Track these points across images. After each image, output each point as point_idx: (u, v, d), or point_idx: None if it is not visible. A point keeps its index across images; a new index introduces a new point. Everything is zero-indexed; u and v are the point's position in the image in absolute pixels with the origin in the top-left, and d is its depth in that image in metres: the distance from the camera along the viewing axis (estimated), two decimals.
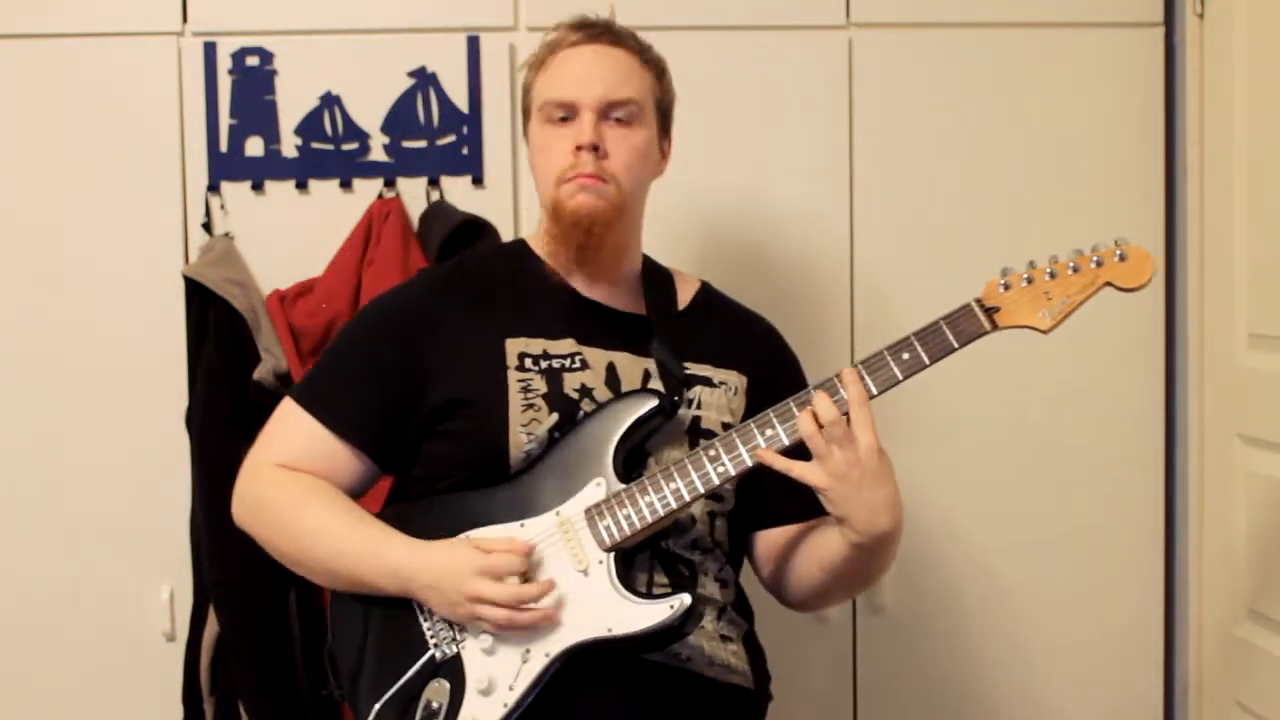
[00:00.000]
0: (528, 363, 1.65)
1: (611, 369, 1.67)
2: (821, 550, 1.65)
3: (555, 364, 1.65)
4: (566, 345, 1.67)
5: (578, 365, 1.66)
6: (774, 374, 1.76)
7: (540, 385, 1.64)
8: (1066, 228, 2.40)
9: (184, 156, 2.33)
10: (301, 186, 2.35)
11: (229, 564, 2.16)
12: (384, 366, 1.66)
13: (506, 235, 2.30)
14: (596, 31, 1.69)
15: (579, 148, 1.64)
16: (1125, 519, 2.44)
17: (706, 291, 1.83)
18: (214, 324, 2.25)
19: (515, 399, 1.63)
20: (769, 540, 1.76)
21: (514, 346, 1.66)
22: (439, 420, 1.65)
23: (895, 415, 2.36)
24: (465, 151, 2.36)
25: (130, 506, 2.33)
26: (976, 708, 2.46)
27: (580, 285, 1.72)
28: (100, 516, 2.33)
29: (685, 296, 1.80)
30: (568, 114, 1.66)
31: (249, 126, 2.34)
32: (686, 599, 1.53)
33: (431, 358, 1.65)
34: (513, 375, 1.64)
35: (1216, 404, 2.28)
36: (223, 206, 2.34)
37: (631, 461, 1.63)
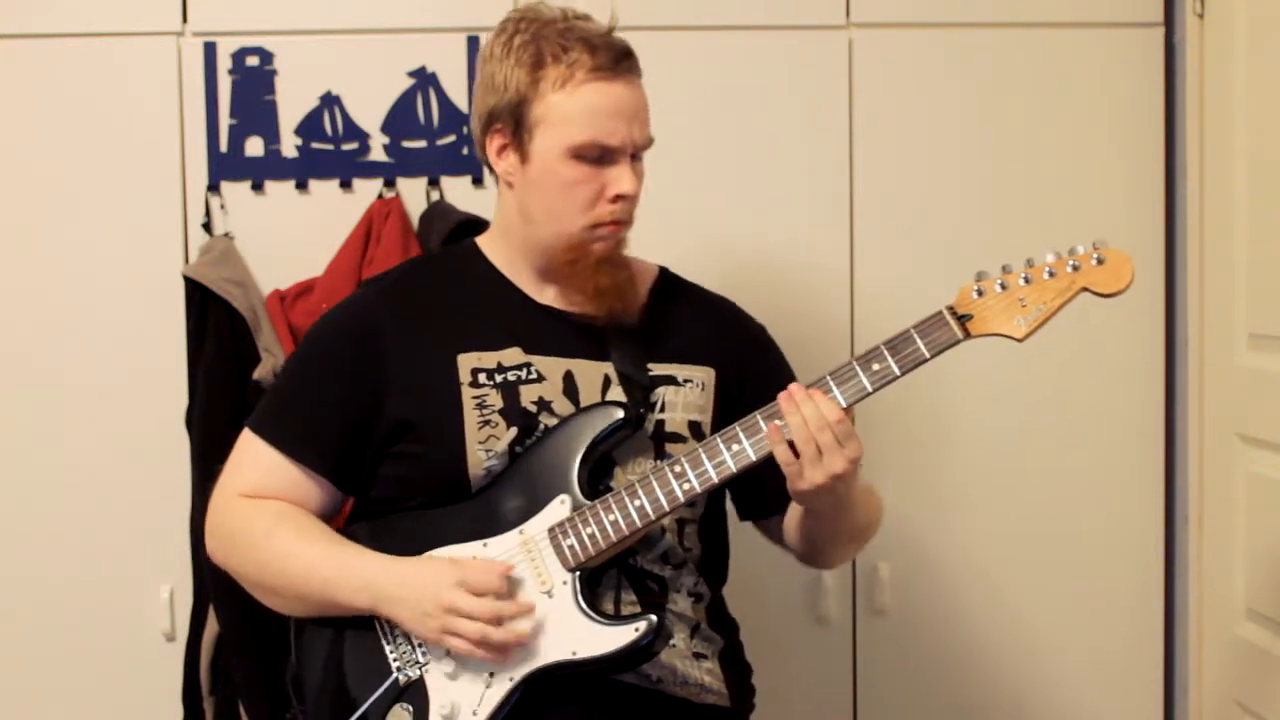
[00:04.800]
0: (481, 378, 1.60)
1: (569, 378, 1.62)
2: (802, 525, 1.65)
3: (510, 376, 1.61)
4: (515, 355, 1.62)
5: (533, 377, 1.61)
6: (743, 359, 1.72)
7: (496, 400, 1.59)
8: (1067, 227, 2.40)
9: (184, 156, 2.33)
10: (301, 186, 2.35)
11: None
12: (336, 391, 1.62)
13: None
14: (626, 67, 1.59)
15: (621, 197, 1.59)
16: (1125, 519, 2.44)
17: (665, 279, 1.77)
18: (214, 324, 2.25)
19: (471, 416, 1.58)
20: (786, 522, 1.72)
21: (466, 362, 1.61)
22: (393, 442, 1.62)
23: (895, 414, 2.37)
24: (465, 151, 2.36)
25: (130, 506, 2.33)
26: (976, 708, 2.45)
27: (534, 291, 1.67)
28: (100, 516, 2.33)
29: (643, 288, 1.72)
30: (601, 155, 1.58)
31: (249, 126, 2.34)
32: (653, 620, 1.51)
33: (382, 378, 1.61)
34: (467, 392, 1.59)
35: (1216, 404, 2.28)
36: (223, 206, 2.34)
37: (598, 470, 1.59)
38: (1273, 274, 2.11)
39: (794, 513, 1.70)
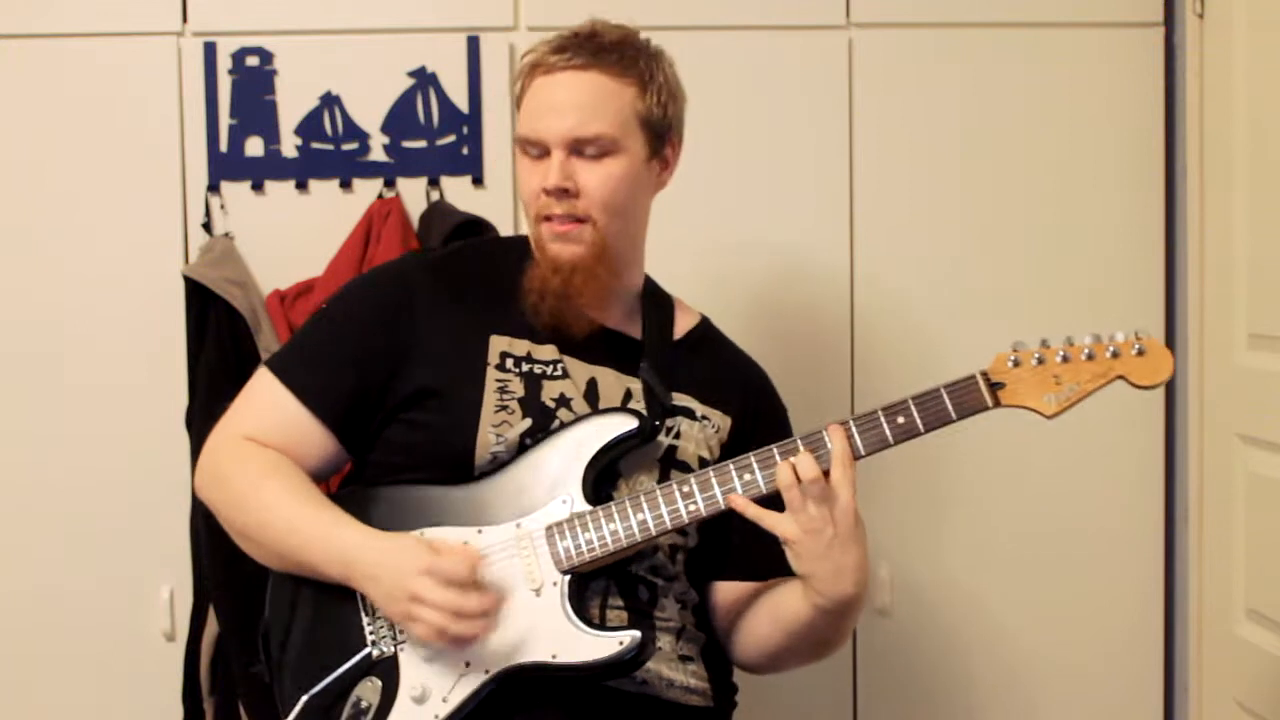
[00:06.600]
0: (509, 363, 1.61)
1: (592, 384, 1.63)
2: (780, 607, 1.59)
3: (536, 369, 1.61)
4: (549, 351, 1.63)
5: (559, 373, 1.62)
6: (760, 423, 1.71)
7: (517, 388, 1.60)
8: (1066, 228, 2.41)
9: (184, 156, 2.33)
10: (301, 186, 2.35)
11: (229, 563, 2.15)
12: (362, 344, 1.62)
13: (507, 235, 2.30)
14: (571, 56, 1.59)
15: (546, 191, 1.59)
16: (1125, 519, 2.44)
17: (705, 326, 1.78)
18: (214, 324, 2.25)
19: (490, 398, 1.58)
20: (728, 593, 1.69)
21: (497, 344, 1.62)
22: (407, 407, 1.61)
23: None
24: (465, 151, 2.36)
25: (130, 507, 2.33)
26: (976, 708, 2.45)
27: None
28: (100, 517, 2.33)
29: (682, 327, 1.74)
30: (539, 151, 1.60)
31: (249, 126, 2.34)
32: (637, 636, 1.49)
33: (411, 341, 1.61)
34: (491, 373, 1.60)
35: (1216, 404, 2.28)
36: (223, 206, 2.34)
37: (601, 479, 1.58)
38: (1273, 274, 2.11)
39: (760, 589, 1.66)
